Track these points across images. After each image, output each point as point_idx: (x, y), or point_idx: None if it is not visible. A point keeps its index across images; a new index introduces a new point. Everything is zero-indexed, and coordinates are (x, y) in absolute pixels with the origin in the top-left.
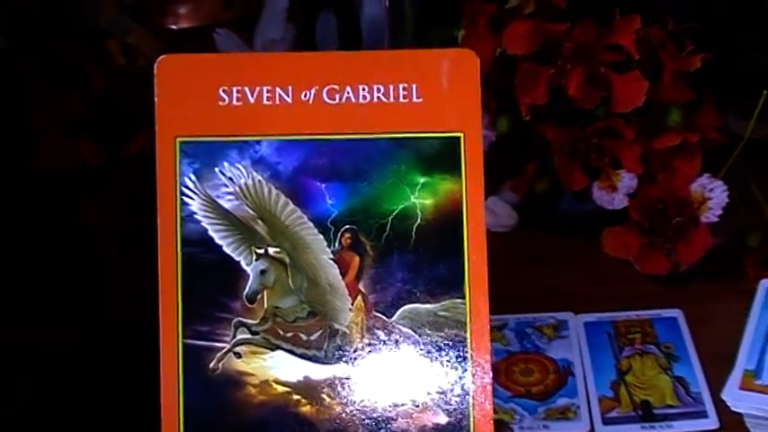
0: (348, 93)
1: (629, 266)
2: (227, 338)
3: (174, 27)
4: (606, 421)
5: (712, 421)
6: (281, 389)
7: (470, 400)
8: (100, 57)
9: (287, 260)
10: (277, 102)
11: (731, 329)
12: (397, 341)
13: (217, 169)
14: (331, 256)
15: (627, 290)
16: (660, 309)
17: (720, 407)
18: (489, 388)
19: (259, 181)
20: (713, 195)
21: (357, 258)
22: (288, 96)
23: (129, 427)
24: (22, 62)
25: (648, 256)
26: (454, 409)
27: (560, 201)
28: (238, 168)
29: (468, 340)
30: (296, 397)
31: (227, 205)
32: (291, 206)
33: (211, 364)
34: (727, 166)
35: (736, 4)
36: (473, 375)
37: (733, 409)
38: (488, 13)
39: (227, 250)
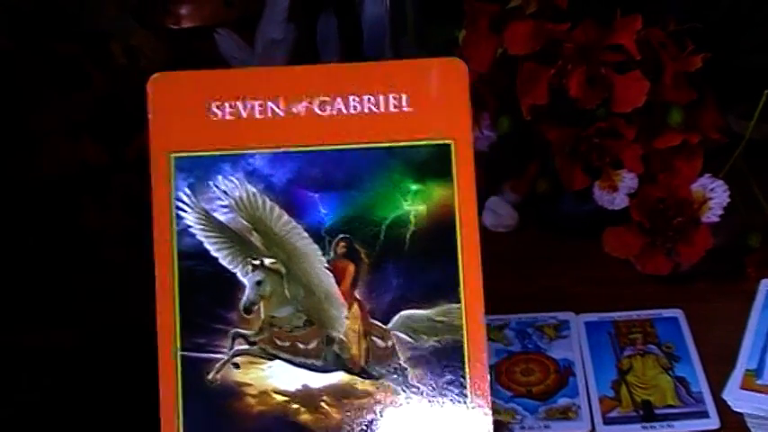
0: (339, 104)
1: (629, 266)
2: (225, 350)
3: (175, 27)
4: (607, 421)
5: (713, 421)
6: (279, 398)
7: (468, 403)
8: (102, 58)
9: (282, 270)
10: (269, 115)
11: (732, 329)
12: (393, 347)
13: (211, 183)
14: (326, 265)
15: (628, 290)
16: (661, 309)
17: (721, 407)
18: (488, 389)
19: (253, 193)
20: (714, 195)
21: (352, 266)
22: (279, 109)
23: (128, 426)
24: (25, 63)
25: (649, 256)
26: (453, 411)
27: (561, 201)
28: (232, 181)
29: (465, 344)
30: (295, 406)
31: (222, 218)
32: (286, 217)
33: (210, 376)
34: (728, 166)
35: (737, 4)
36: (470, 378)
37: (734, 408)
38: (490, 13)
39: (223, 262)
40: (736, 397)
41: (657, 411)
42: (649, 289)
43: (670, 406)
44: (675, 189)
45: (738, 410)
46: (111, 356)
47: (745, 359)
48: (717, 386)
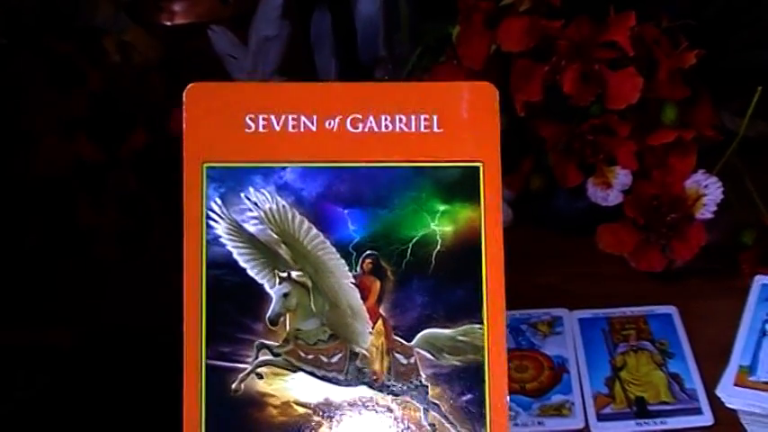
0: (371, 122)
1: (623, 263)
2: (250, 360)
3: (169, 24)
4: (601, 417)
5: (707, 418)
6: (301, 410)
7: (488, 423)
8: (96, 55)
9: (309, 284)
10: (302, 129)
11: (726, 326)
12: (415, 364)
13: (242, 194)
14: (352, 281)
15: (622, 286)
16: (655, 305)
17: (715, 403)
18: (507, 409)
19: (283, 206)
20: (708, 192)
21: (378, 283)
22: (312, 124)
23: (124, 424)
24: (18, 60)
25: (643, 253)
26: (471, 430)
27: (555, 197)
28: (263, 193)
29: (486, 364)
30: (316, 418)
31: (251, 229)
32: (314, 231)
33: (233, 385)
34: (721, 163)
35: (731, 1)
36: (490, 398)
37: (728, 405)
38: (483, 9)
39: (251, 273)
40: (729, 393)
41: (651, 408)
42: (643, 285)
43: (664, 402)
44: (669, 186)
45: (732, 407)
46: (107, 355)
47: (738, 356)
48: (710, 382)
